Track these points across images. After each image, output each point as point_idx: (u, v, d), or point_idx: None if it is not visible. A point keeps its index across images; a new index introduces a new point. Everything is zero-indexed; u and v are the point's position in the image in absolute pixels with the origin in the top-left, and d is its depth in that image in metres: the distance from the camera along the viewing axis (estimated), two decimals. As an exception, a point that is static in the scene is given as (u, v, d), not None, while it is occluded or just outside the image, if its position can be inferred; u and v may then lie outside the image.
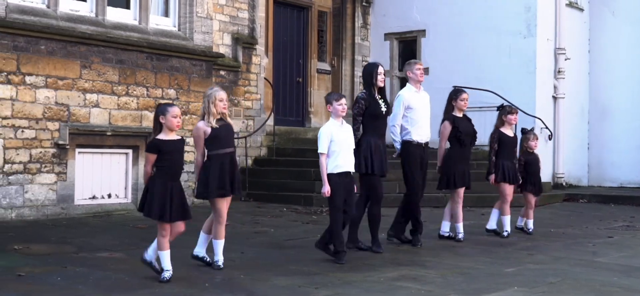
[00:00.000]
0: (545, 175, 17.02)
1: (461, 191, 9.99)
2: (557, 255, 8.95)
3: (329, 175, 7.94)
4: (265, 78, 16.33)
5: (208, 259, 7.66)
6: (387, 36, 18.69)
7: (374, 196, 8.73)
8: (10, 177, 10.92)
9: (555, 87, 17.35)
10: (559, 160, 17.47)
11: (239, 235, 10.08)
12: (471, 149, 10.24)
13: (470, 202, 13.31)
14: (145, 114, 12.56)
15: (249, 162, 15.69)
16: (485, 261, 8.40)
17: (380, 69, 8.90)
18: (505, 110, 10.62)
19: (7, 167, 10.87)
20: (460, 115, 10.02)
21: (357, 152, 8.47)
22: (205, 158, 7.46)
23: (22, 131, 11.06)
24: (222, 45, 15.30)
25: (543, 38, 16.87)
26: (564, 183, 17.63)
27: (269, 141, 16.26)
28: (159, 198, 6.89)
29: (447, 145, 10.03)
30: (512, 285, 7.05)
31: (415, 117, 9.35)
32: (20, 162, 11.04)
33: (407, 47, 18.65)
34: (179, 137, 7.17)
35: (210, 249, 7.68)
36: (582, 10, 18.47)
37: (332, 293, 6.58)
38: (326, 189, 7.90)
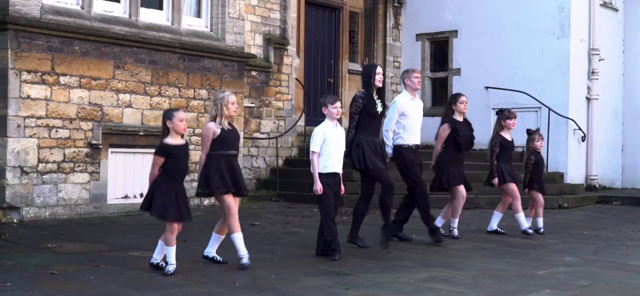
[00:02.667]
0: (579, 177, 16.92)
1: (460, 189, 10.05)
2: (590, 258, 8.87)
3: (321, 174, 8.16)
4: (296, 78, 16.36)
5: (219, 259, 7.76)
6: (419, 37, 18.63)
7: (383, 185, 8.85)
8: (44, 176, 11.05)
9: (588, 88, 17.19)
10: (592, 162, 17.30)
11: (270, 235, 10.12)
12: (465, 154, 10.30)
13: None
14: (177, 114, 12.66)
15: (280, 162, 15.73)
16: (516, 263, 8.35)
17: (379, 70, 9.06)
18: (504, 115, 10.62)
19: (41, 166, 11.01)
20: (460, 119, 10.06)
21: (351, 150, 8.78)
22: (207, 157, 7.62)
23: (56, 131, 11.19)
24: (254, 45, 15.36)
25: (577, 38, 16.72)
26: (597, 185, 17.46)
27: (300, 141, 16.29)
28: (165, 199, 7.14)
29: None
30: (544, 288, 6.99)
31: (408, 124, 9.47)
32: (54, 162, 11.17)
33: (439, 47, 18.58)
34: (185, 141, 7.38)
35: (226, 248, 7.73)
36: (616, 10, 18.27)
37: (362, 294, 6.58)
38: (318, 187, 8.12)
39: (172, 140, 7.22)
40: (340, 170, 8.32)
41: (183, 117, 7.27)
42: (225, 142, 7.54)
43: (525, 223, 10.49)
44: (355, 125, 8.88)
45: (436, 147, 10.16)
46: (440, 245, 9.35)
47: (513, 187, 10.48)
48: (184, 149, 7.33)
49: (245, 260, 7.48)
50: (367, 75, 9.05)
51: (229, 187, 7.54)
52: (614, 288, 7.11)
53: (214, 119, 7.57)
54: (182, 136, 7.35)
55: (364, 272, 7.53)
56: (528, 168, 10.81)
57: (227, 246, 7.80)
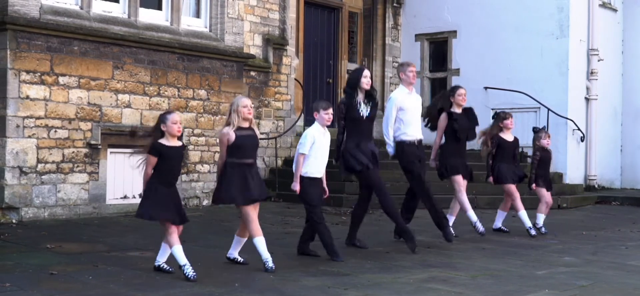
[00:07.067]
0: (578, 177, 16.93)
1: (459, 178, 10.04)
2: (589, 258, 8.87)
3: (302, 177, 8.24)
4: (295, 79, 16.35)
5: (240, 260, 7.77)
6: (418, 37, 18.63)
7: (376, 190, 8.86)
8: (43, 177, 11.04)
9: (588, 88, 17.19)
10: (591, 162, 17.30)
11: (269, 235, 10.08)
12: (466, 144, 10.27)
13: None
14: (176, 114, 12.67)
15: (279, 162, 15.72)
16: (516, 263, 8.35)
17: (366, 73, 8.99)
18: (500, 117, 10.76)
19: (40, 166, 11.00)
20: (459, 110, 10.06)
21: (342, 154, 8.83)
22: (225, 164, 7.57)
23: (55, 131, 11.18)
24: (253, 46, 15.35)
25: (576, 39, 16.72)
26: (597, 186, 17.46)
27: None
28: (161, 201, 7.11)
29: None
30: (543, 288, 6.99)
31: (408, 118, 9.39)
32: (53, 162, 11.16)
33: (438, 48, 18.58)
34: (181, 144, 7.33)
35: (246, 252, 7.73)
36: (615, 10, 18.28)
37: (362, 294, 6.57)
38: (296, 187, 8.24)
39: (167, 141, 7.19)
40: (322, 175, 8.37)
41: (177, 119, 7.21)
42: (242, 150, 7.45)
43: (528, 221, 10.50)
44: (342, 131, 8.88)
45: (436, 138, 10.16)
46: (450, 242, 9.34)
47: (509, 186, 10.52)
48: (178, 151, 7.26)
49: (270, 263, 7.45)
50: (354, 79, 8.94)
51: (246, 197, 7.49)
52: (614, 288, 7.11)
53: (229, 124, 7.50)
54: (179, 138, 7.32)
55: (363, 272, 7.53)
56: (533, 165, 10.84)
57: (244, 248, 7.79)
